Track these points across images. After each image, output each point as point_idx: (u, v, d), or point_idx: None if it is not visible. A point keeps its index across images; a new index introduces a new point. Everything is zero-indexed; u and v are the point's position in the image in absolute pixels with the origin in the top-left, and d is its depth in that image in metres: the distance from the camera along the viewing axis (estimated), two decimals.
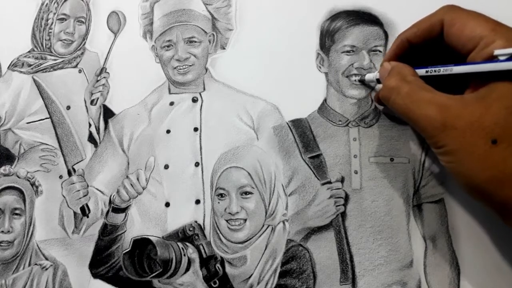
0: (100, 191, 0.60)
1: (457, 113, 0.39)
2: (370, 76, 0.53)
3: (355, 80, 0.55)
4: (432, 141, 0.41)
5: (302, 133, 0.55)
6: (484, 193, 0.39)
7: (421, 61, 0.46)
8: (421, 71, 0.45)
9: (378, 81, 0.51)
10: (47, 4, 0.68)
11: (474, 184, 0.39)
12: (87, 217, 0.59)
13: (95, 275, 0.57)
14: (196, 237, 0.54)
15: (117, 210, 0.57)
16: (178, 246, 0.52)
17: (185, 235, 0.54)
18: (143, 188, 0.58)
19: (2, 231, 0.60)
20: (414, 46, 0.47)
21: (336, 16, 0.56)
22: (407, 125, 0.53)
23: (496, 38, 0.40)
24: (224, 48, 0.61)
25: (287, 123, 0.56)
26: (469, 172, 0.39)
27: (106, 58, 0.64)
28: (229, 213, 0.53)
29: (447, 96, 0.41)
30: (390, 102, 0.44)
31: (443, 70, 0.43)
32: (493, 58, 0.40)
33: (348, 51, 0.55)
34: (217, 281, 0.52)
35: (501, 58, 0.39)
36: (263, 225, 0.53)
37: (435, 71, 0.44)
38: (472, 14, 0.43)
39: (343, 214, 0.52)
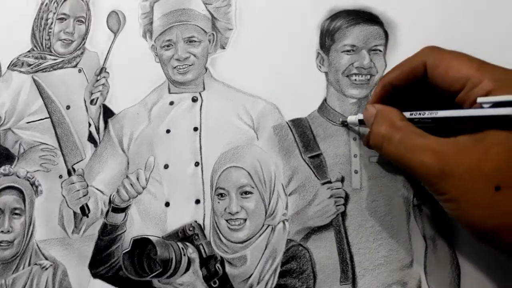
0: (100, 190, 0.60)
1: (454, 159, 0.37)
2: (352, 119, 0.52)
3: (355, 80, 0.55)
4: (433, 188, 0.39)
5: (302, 133, 0.55)
6: (492, 240, 0.38)
7: (407, 102, 0.45)
8: (406, 114, 0.44)
9: (361, 122, 0.50)
10: (46, 3, 0.68)
11: (481, 232, 0.38)
12: (87, 217, 0.59)
13: (95, 275, 0.57)
14: (196, 237, 0.54)
15: (117, 210, 0.57)
16: (178, 246, 0.52)
17: (185, 235, 0.54)
18: (143, 188, 0.58)
19: (2, 231, 0.60)
20: (398, 89, 0.46)
21: (336, 16, 0.56)
22: None
23: (483, 77, 0.39)
24: (224, 48, 0.61)
25: (287, 123, 0.56)
26: (475, 220, 0.37)
27: (106, 58, 0.64)
28: (229, 213, 0.53)
29: (441, 140, 0.39)
30: (382, 150, 0.43)
31: (428, 113, 0.42)
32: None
33: (348, 51, 0.55)
34: (217, 281, 0.52)
35: (485, 106, 0.38)
36: (263, 225, 0.53)
37: (419, 114, 0.43)
38: (454, 54, 0.42)
39: (343, 214, 0.52)
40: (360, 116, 0.50)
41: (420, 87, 0.45)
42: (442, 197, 0.39)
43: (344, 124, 0.54)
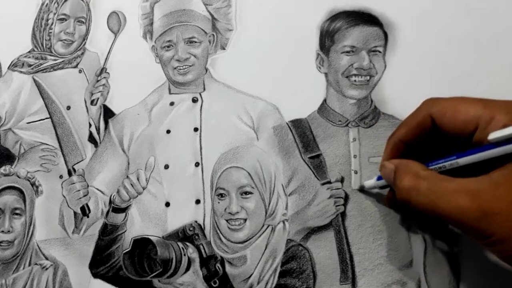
0: (100, 191, 0.60)
1: (492, 196, 0.35)
2: (369, 183, 0.51)
3: (355, 80, 0.55)
4: (475, 233, 0.36)
5: (302, 133, 0.56)
6: None
7: (421, 155, 0.44)
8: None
9: (381, 186, 0.49)
10: (47, 4, 0.68)
11: None
12: (87, 217, 0.59)
13: (95, 275, 0.57)
14: (196, 237, 0.54)
15: (117, 210, 0.57)
16: (178, 246, 0.52)
17: (185, 235, 0.54)
18: (143, 188, 0.58)
19: (2, 231, 0.60)
20: (410, 144, 0.45)
21: (336, 17, 0.57)
22: None
23: (493, 113, 0.38)
24: (224, 49, 0.61)
25: (287, 123, 0.56)
26: None
27: (106, 58, 0.64)
28: (229, 213, 0.53)
29: (472, 180, 0.36)
30: (411, 203, 0.40)
31: (449, 165, 0.40)
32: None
33: (348, 52, 0.55)
34: (217, 281, 0.52)
35: (501, 140, 0.36)
36: (263, 225, 0.53)
37: (439, 167, 0.41)
38: (457, 99, 0.41)
39: (343, 214, 0.52)
40: (378, 182, 0.49)
41: (431, 138, 0.44)
42: (488, 240, 0.35)
43: (362, 190, 0.52)
